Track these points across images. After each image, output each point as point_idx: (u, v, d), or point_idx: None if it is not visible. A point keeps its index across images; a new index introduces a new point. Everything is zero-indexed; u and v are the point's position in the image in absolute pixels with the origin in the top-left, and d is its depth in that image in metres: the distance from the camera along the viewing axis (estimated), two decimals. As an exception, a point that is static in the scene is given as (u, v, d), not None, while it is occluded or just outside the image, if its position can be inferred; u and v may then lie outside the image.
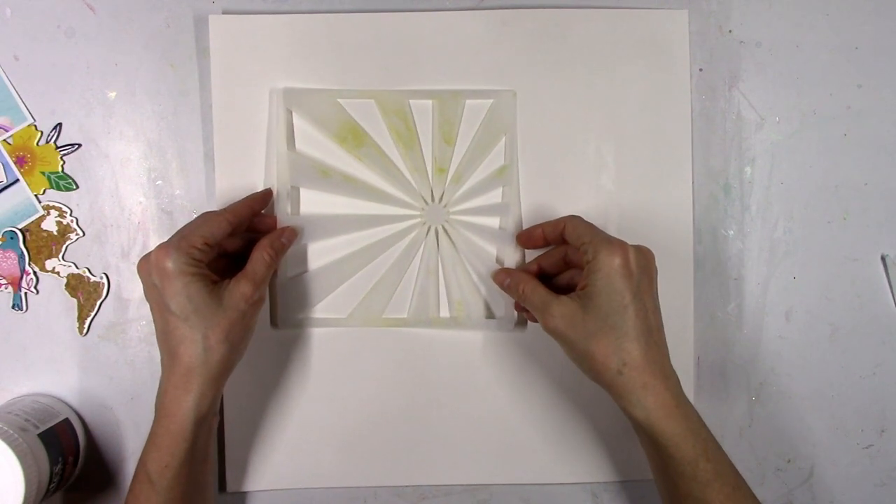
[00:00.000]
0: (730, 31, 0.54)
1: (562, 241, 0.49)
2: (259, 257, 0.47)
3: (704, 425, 0.44)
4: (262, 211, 0.52)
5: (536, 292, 0.47)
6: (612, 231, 0.53)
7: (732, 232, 0.55)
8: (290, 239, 0.51)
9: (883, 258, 0.55)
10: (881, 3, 0.54)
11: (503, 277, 0.50)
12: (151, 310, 0.46)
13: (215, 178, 0.52)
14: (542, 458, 0.54)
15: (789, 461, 0.55)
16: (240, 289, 0.45)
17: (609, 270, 0.44)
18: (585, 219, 0.48)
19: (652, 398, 0.43)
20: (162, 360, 0.46)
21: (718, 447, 0.44)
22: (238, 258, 0.49)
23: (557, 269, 0.51)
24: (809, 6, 0.54)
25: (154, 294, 0.45)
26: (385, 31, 0.52)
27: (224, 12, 0.52)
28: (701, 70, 0.54)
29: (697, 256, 0.54)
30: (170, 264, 0.44)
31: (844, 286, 0.55)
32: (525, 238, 0.52)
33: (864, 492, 0.55)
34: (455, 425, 0.54)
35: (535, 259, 0.52)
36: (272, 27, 0.52)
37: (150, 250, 0.45)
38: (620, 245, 0.44)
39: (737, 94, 0.54)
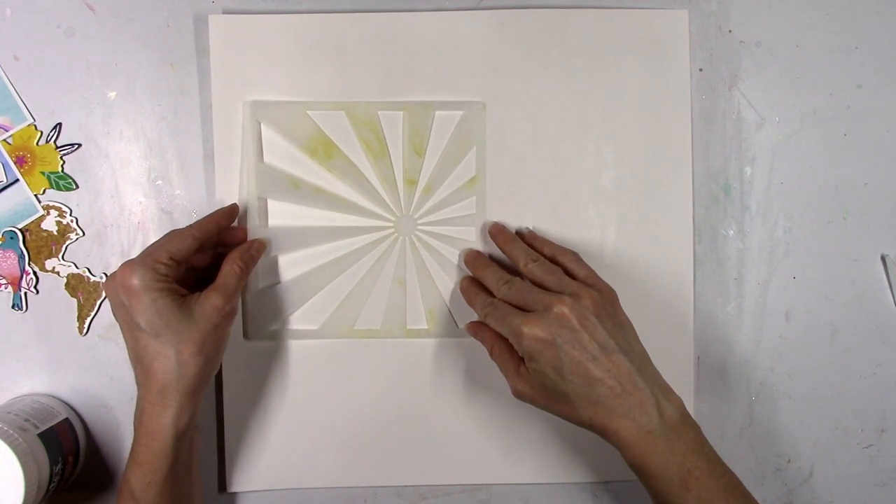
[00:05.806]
0: (730, 31, 0.54)
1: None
2: (229, 270, 0.47)
3: (692, 451, 0.43)
4: (233, 224, 0.51)
5: (502, 358, 0.47)
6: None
7: (732, 232, 0.55)
8: (259, 251, 0.51)
9: (883, 258, 0.55)
10: (881, 3, 0.54)
11: (475, 331, 0.50)
12: (121, 329, 0.45)
13: (215, 178, 0.52)
14: (542, 458, 0.54)
15: (789, 461, 0.55)
16: (211, 301, 0.45)
17: (532, 354, 0.44)
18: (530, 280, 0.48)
19: (625, 436, 0.43)
20: (136, 378, 0.45)
21: (706, 473, 0.43)
22: (207, 273, 0.49)
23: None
24: (809, 6, 0.54)
25: (122, 313, 0.44)
26: (385, 31, 0.52)
27: (224, 12, 0.52)
28: (701, 70, 0.54)
29: (697, 256, 0.54)
30: (136, 281, 0.43)
31: (844, 286, 0.55)
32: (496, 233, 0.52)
33: (864, 492, 0.55)
34: (454, 425, 0.54)
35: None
36: (272, 27, 0.52)
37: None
38: (531, 324, 0.44)
39: (737, 94, 0.54)
